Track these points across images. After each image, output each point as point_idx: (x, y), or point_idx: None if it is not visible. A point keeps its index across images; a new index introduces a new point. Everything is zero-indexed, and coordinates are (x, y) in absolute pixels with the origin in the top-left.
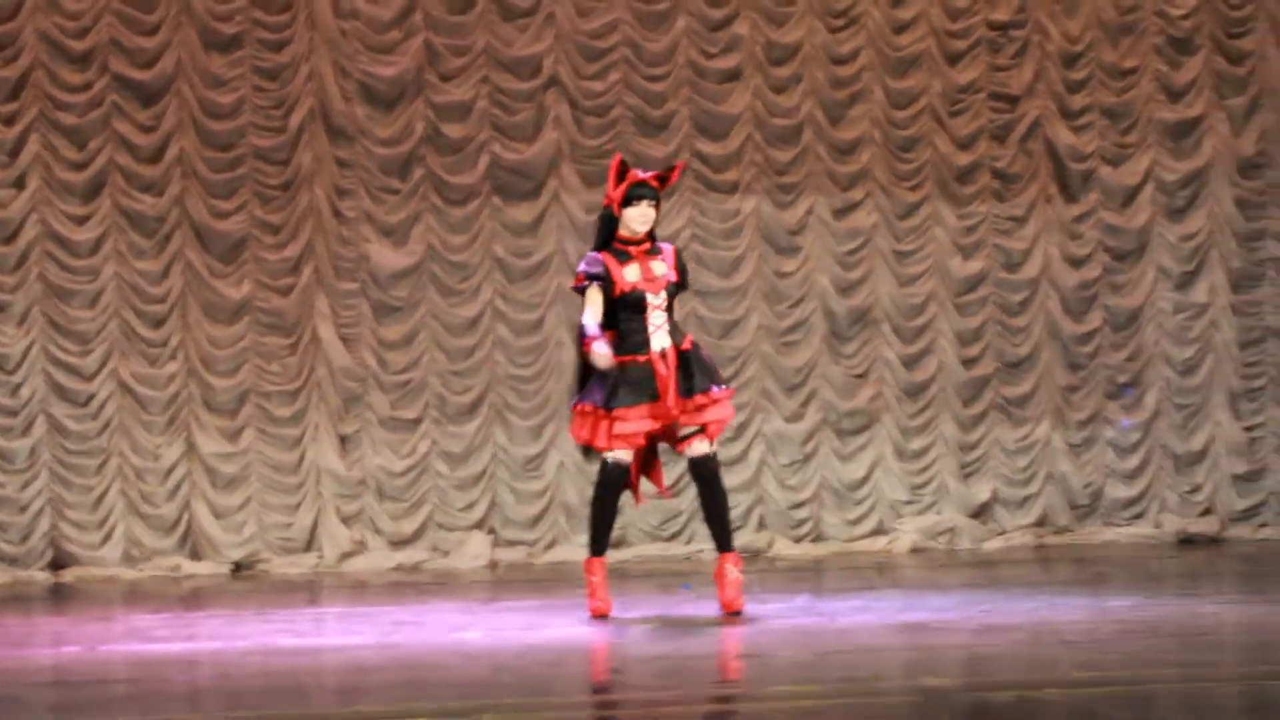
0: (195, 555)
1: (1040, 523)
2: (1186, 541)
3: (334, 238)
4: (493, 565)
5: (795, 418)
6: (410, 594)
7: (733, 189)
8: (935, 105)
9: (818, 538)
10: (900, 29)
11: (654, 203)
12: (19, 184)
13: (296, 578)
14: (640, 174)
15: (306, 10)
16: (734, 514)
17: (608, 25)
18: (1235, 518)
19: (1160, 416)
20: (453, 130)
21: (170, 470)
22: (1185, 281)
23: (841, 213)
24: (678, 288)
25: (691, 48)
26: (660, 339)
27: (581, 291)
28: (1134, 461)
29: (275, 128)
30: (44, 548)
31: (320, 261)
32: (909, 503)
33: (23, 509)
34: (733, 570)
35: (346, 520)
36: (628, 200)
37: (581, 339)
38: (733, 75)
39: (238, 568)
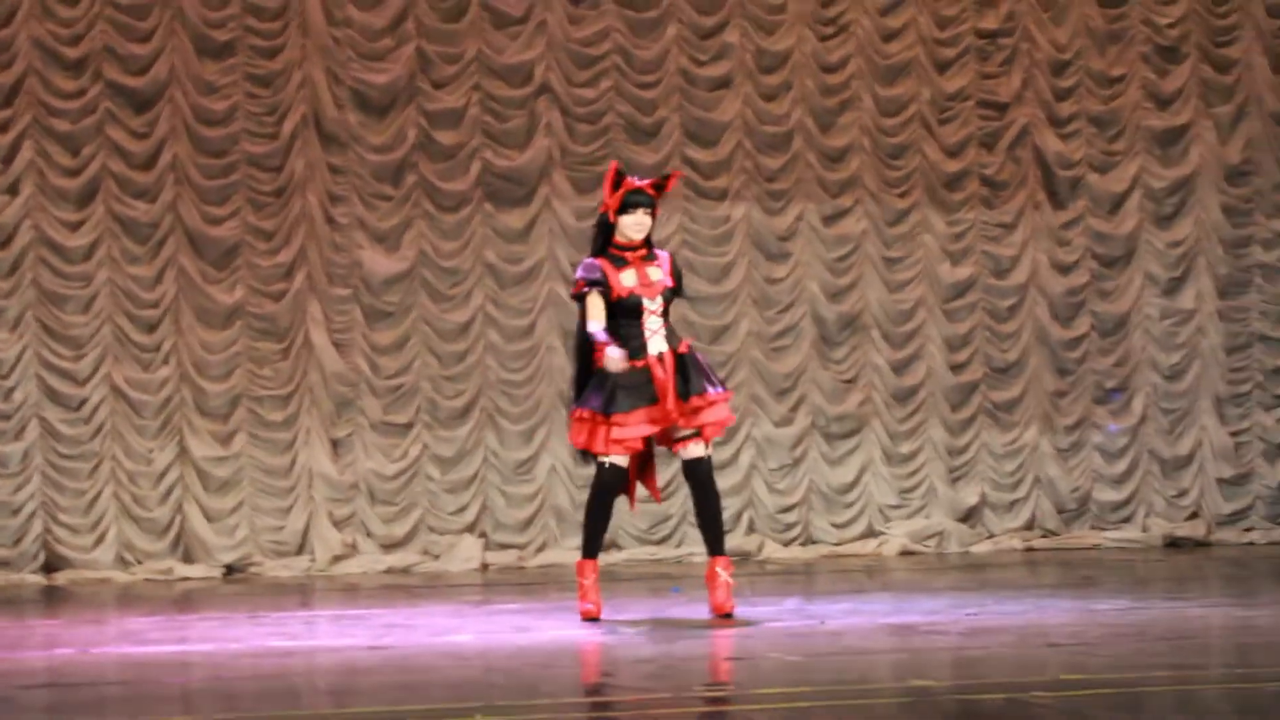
0: (187, 558)
1: (1028, 526)
2: (1173, 545)
3: (326, 243)
4: (484, 568)
5: (785, 422)
6: (402, 597)
7: (723, 195)
8: (924, 113)
9: (807, 541)
10: (889, 37)
11: (649, 210)
12: (13, 190)
13: (288, 581)
14: (636, 181)
15: (299, 17)
16: (724, 517)
17: (599, 33)
18: (1222, 521)
19: (1147, 421)
20: (444, 137)
21: (163, 474)
22: (1172, 288)
23: (831, 219)
24: (673, 293)
25: (682, 55)
26: (657, 343)
27: (580, 299)
28: (1121, 466)
29: (268, 134)
30: (37, 551)
31: (312, 267)
32: (898, 506)
33: (15, 512)
34: (723, 573)
35: (338, 524)
36: (623, 208)
37: (580, 346)
38: (723, 83)
39: (230, 571)
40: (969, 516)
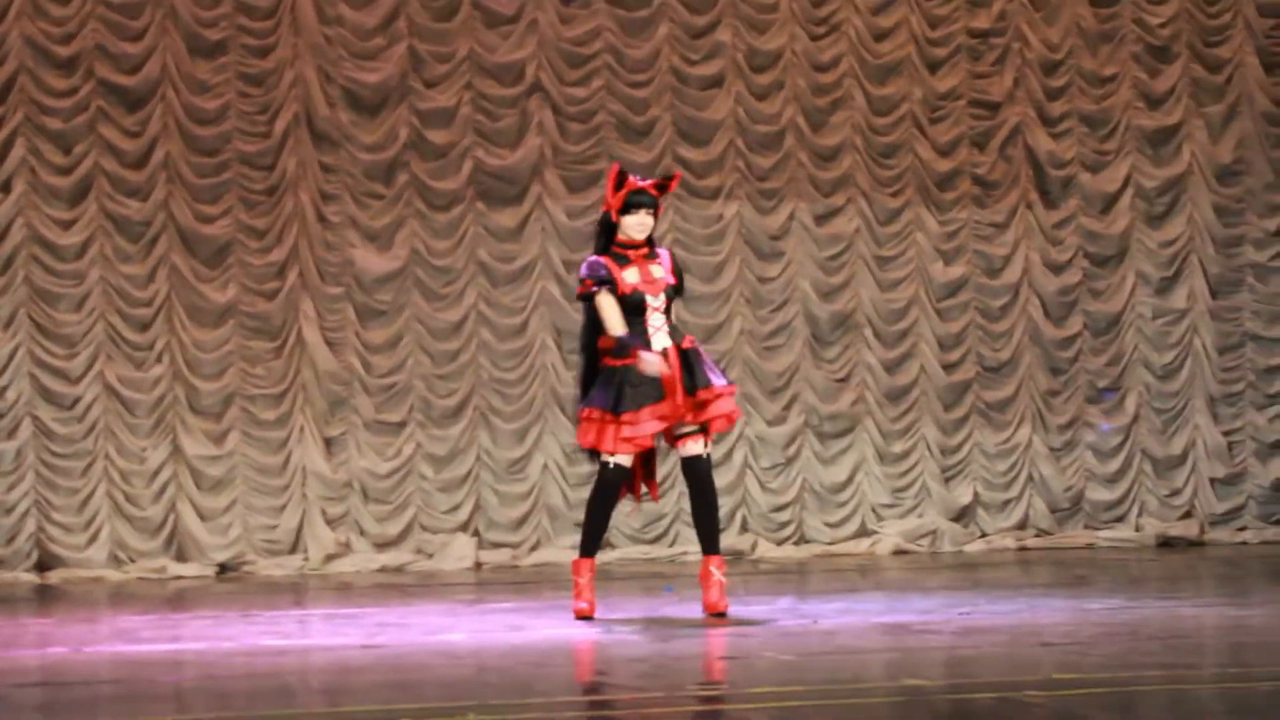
0: (181, 557)
1: (1021, 526)
2: (1166, 544)
3: (319, 242)
4: (477, 567)
5: (778, 421)
6: (395, 595)
7: (715, 194)
8: (916, 112)
9: (800, 540)
10: (881, 36)
11: (652, 211)
12: (5, 188)
13: (282, 579)
14: (639, 181)
15: (291, 16)
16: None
17: (590, 32)
18: (1215, 521)
19: (1140, 420)
20: (437, 136)
21: (156, 472)
22: (1165, 287)
23: (823, 218)
24: (675, 291)
25: (674, 54)
26: (661, 339)
27: (588, 298)
28: (1114, 465)
29: (260, 133)
30: (30, 549)
31: (305, 266)
32: (891, 506)
33: (9, 511)
34: (717, 572)
35: (331, 522)
36: (626, 208)
37: (588, 345)
38: (715, 82)
39: (223, 569)
40: (962, 516)
